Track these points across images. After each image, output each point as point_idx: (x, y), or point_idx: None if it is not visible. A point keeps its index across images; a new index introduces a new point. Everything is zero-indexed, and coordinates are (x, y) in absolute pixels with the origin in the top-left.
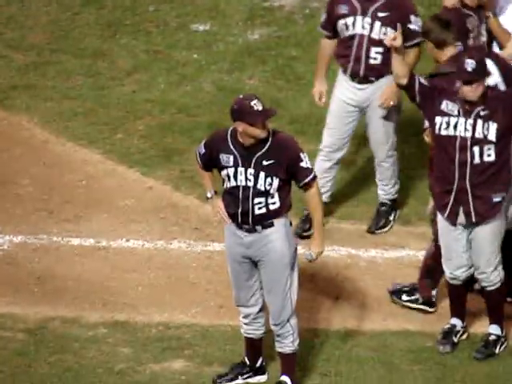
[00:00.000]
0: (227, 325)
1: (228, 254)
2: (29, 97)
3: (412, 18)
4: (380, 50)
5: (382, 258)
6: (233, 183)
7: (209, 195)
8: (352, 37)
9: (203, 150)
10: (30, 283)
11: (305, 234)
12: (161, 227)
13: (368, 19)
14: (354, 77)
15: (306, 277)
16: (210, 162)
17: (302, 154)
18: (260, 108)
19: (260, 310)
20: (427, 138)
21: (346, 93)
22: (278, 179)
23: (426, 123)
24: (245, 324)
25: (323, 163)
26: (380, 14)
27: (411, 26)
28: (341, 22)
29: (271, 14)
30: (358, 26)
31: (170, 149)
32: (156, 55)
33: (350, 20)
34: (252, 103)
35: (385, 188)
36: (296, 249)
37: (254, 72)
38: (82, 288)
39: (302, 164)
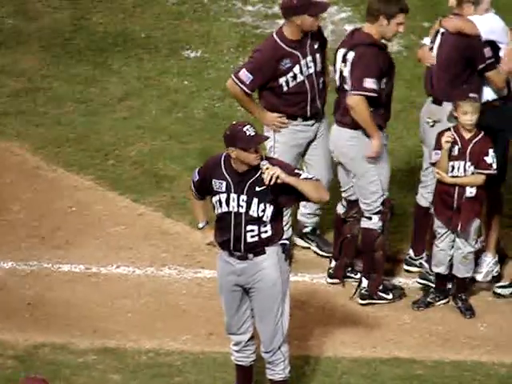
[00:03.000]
0: (218, 352)
1: (220, 283)
2: (20, 123)
3: None
4: (323, 78)
5: None
6: (225, 209)
7: (200, 226)
8: (302, 82)
9: (197, 177)
10: (21, 309)
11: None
12: (151, 254)
13: (309, 57)
14: (311, 116)
15: (296, 304)
16: (204, 189)
17: (297, 170)
18: (252, 133)
19: (251, 338)
20: (437, 175)
21: (297, 136)
22: (271, 206)
23: (436, 156)
24: (235, 351)
25: None
26: (315, 47)
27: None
28: (288, 76)
29: (262, 41)
30: (304, 69)
31: (160, 175)
32: (147, 82)
33: (296, 69)
34: (245, 129)
35: (317, 212)
36: (288, 276)
37: None
38: (72, 314)
39: (303, 176)
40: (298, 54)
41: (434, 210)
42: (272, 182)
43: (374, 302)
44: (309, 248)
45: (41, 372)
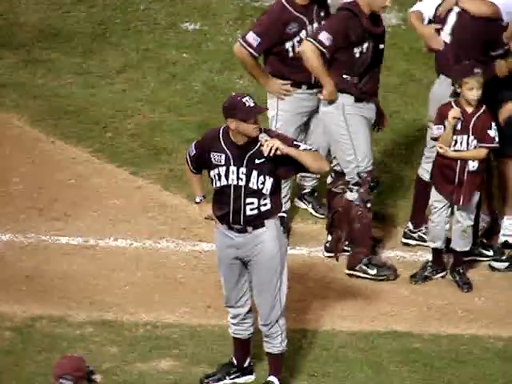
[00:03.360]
0: (215, 325)
1: (218, 257)
2: (18, 95)
3: None
4: None
5: None
6: (223, 182)
7: (198, 200)
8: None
9: (194, 151)
10: (18, 281)
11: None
12: (149, 226)
13: (316, 24)
14: (316, 83)
15: (294, 278)
16: (201, 163)
17: (296, 142)
18: (252, 104)
19: (249, 311)
20: (440, 150)
21: (301, 104)
22: (271, 178)
23: (438, 131)
24: (233, 324)
25: None
26: (322, 15)
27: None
28: (295, 40)
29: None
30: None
31: (159, 148)
32: (146, 54)
33: (303, 34)
34: (244, 100)
35: (317, 176)
36: (286, 250)
37: (244, 72)
38: (69, 287)
39: (302, 147)
40: (305, 19)
41: (433, 184)
42: (272, 154)
43: (357, 274)
44: (306, 210)
45: (38, 344)
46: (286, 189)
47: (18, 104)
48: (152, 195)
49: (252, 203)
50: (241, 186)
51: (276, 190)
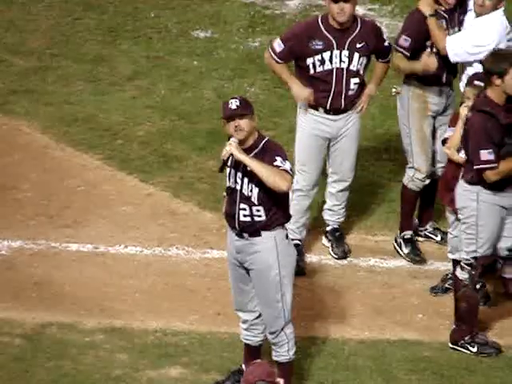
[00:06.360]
0: (225, 332)
1: (227, 255)
2: (29, 102)
3: (384, 36)
4: (357, 80)
5: (380, 267)
6: (228, 183)
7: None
8: (330, 71)
9: None
10: (28, 288)
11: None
12: (159, 234)
13: (346, 52)
14: (331, 110)
15: (304, 285)
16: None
17: (279, 158)
18: (233, 106)
19: (258, 317)
20: (448, 151)
21: (318, 126)
22: (257, 188)
23: (449, 133)
24: (244, 329)
25: (303, 202)
26: (357, 46)
27: (386, 44)
28: (316, 58)
29: (272, 22)
30: (335, 60)
31: (169, 155)
32: (156, 61)
33: (326, 55)
34: (231, 100)
35: (340, 211)
36: (292, 260)
37: (255, 79)
38: (79, 294)
39: (276, 163)
40: (333, 42)
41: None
42: (225, 158)
43: (458, 349)
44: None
45: (48, 351)
46: (303, 218)
47: (28, 111)
48: (162, 202)
49: (244, 209)
50: (237, 190)
51: (269, 201)
